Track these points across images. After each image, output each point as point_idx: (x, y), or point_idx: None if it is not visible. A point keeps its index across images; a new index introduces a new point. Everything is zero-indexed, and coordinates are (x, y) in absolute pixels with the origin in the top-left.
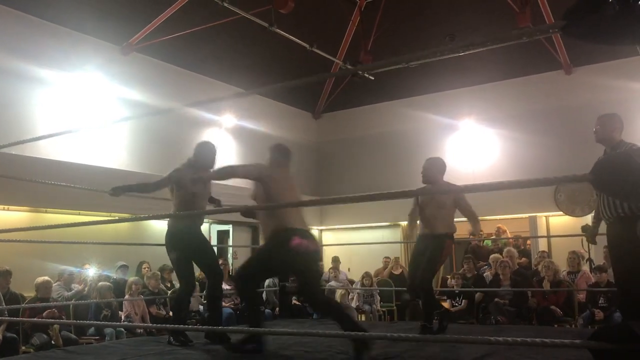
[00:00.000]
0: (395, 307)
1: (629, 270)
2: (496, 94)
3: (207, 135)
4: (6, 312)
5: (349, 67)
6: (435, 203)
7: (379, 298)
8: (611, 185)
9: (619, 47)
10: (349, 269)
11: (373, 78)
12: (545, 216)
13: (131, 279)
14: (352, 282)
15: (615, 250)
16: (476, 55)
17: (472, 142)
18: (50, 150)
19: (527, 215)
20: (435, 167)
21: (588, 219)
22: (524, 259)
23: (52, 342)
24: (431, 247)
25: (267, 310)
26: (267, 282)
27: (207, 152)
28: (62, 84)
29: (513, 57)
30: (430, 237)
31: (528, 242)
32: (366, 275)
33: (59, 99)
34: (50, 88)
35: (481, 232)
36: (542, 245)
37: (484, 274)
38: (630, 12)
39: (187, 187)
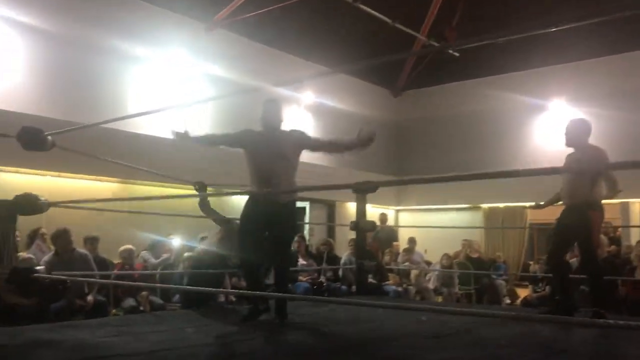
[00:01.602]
0: (473, 291)
1: None
2: (591, 72)
3: (287, 112)
4: (97, 276)
5: (433, 43)
6: (573, 169)
7: (457, 281)
8: None
9: None
10: (425, 251)
11: (458, 55)
12: None
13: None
14: (429, 263)
15: None
16: (569, 31)
17: (562, 123)
18: (139, 125)
19: (618, 200)
20: (579, 129)
21: None
22: (613, 247)
23: (141, 307)
24: (577, 226)
25: (343, 287)
26: (343, 259)
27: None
28: (151, 61)
29: (610, 33)
30: (571, 210)
31: (618, 229)
32: (445, 256)
33: (148, 76)
34: (141, 65)
35: None
36: (635, 233)
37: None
38: None
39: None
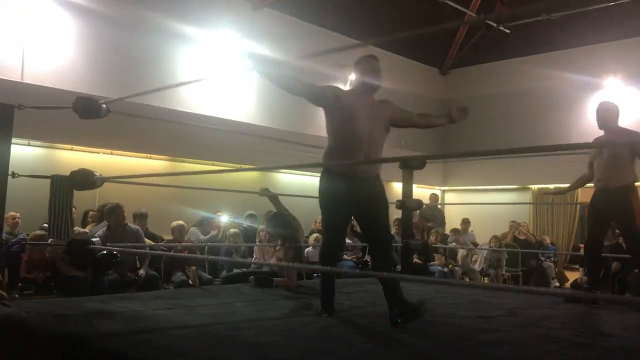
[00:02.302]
0: (520, 273)
1: None
2: None
3: None
4: (148, 249)
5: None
6: (608, 152)
7: (504, 262)
8: None
9: None
10: (471, 231)
11: (509, 31)
12: None
13: (261, 226)
14: (475, 244)
15: None
16: (625, 6)
17: (617, 101)
18: (188, 103)
19: None
20: (609, 111)
21: None
22: None
23: (190, 282)
24: (619, 209)
25: None
26: None
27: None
28: (199, 40)
29: None
30: (607, 193)
31: None
32: (494, 239)
33: (197, 55)
34: (190, 44)
35: None
36: None
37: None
38: None
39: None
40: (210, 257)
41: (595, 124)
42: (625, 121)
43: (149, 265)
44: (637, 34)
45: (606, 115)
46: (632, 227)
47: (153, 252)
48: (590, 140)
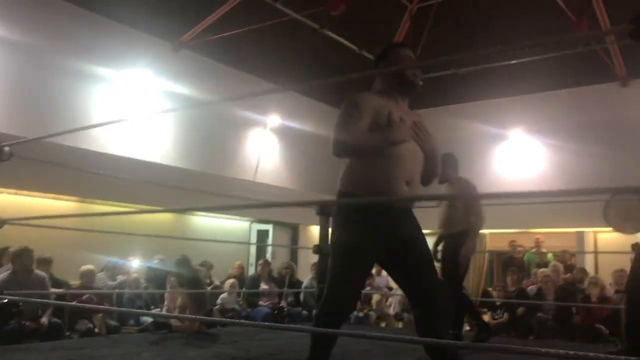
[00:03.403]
0: None
1: None
2: (548, 104)
3: (253, 134)
4: (52, 296)
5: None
6: (445, 202)
7: None
8: None
9: None
10: (384, 275)
11: (421, 82)
12: (594, 232)
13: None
14: (390, 289)
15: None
16: (528, 64)
17: (521, 152)
18: (102, 144)
19: (574, 230)
20: (446, 164)
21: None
22: (568, 275)
23: (96, 329)
24: (448, 249)
25: (303, 312)
26: (305, 283)
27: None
28: (116, 81)
29: (566, 67)
30: (448, 239)
31: (573, 258)
32: None
33: (113, 95)
34: (105, 83)
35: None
36: (589, 262)
37: (528, 288)
38: None
39: None
40: (115, 308)
41: (501, 171)
42: (526, 169)
43: (53, 312)
44: (538, 90)
45: (444, 167)
46: (448, 268)
47: (58, 302)
48: (498, 187)
